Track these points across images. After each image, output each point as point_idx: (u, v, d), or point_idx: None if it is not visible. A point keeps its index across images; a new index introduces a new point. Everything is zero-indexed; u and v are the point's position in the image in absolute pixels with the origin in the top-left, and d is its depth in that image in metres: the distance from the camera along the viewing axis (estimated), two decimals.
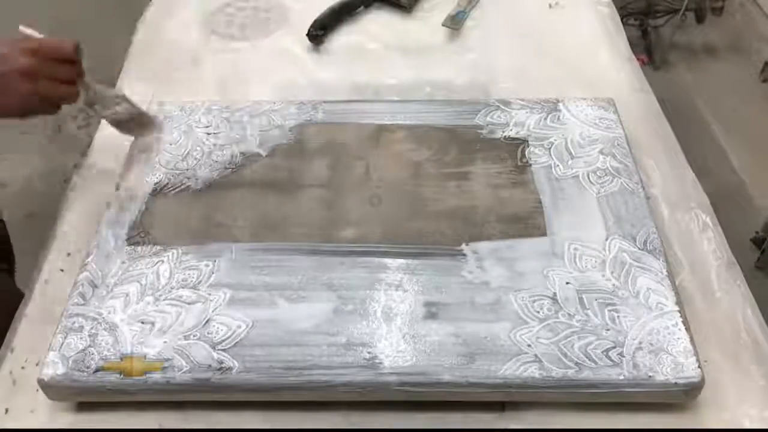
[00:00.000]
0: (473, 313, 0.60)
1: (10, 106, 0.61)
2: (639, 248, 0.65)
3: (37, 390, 0.58)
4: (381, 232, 0.67)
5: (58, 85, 0.63)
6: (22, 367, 0.62)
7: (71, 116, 1.51)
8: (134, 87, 0.90)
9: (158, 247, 0.66)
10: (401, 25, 1.01)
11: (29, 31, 0.64)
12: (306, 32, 0.96)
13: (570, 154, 0.74)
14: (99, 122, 0.81)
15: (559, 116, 0.79)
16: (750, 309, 0.65)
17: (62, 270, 0.70)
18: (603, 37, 0.98)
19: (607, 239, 0.66)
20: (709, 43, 2.08)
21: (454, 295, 0.62)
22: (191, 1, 1.05)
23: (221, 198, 0.71)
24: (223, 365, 0.57)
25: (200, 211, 0.70)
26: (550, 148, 0.75)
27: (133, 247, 0.66)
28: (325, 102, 0.82)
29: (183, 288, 0.63)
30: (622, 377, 0.56)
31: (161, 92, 0.87)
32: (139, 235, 0.67)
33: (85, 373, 0.57)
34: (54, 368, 0.57)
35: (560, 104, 0.80)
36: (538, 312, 0.60)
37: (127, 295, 0.62)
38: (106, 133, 0.83)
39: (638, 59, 0.96)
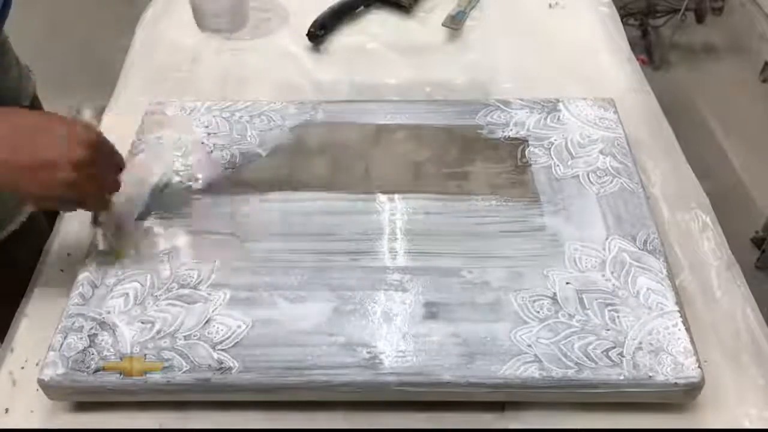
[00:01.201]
0: (473, 313, 0.60)
1: (47, 193, 0.56)
2: (639, 248, 0.65)
3: (37, 390, 0.58)
4: (381, 232, 0.67)
5: (100, 186, 0.60)
6: (22, 367, 0.62)
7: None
8: (134, 87, 0.91)
9: (158, 247, 0.66)
10: (401, 25, 1.01)
11: (88, 117, 0.63)
12: (306, 32, 0.96)
13: (570, 154, 0.74)
14: None
15: (559, 116, 0.79)
16: (750, 309, 0.65)
17: (62, 270, 0.70)
18: (603, 37, 0.98)
19: (607, 239, 0.66)
20: (709, 43, 2.08)
21: (454, 295, 0.62)
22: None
23: (221, 198, 0.71)
24: (223, 365, 0.57)
25: (200, 211, 0.70)
26: (550, 148, 0.75)
27: (133, 246, 0.66)
28: (325, 102, 0.82)
29: (183, 288, 0.63)
30: (622, 377, 0.56)
31: (161, 92, 0.87)
32: (140, 234, 0.67)
33: (85, 373, 0.57)
34: (54, 368, 0.57)
35: (560, 104, 0.80)
36: (538, 312, 0.60)
37: (127, 295, 0.62)
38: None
39: (638, 59, 0.96)
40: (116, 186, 0.62)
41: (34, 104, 0.86)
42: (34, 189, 0.55)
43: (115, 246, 0.66)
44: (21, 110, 0.59)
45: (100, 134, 0.59)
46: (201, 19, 0.88)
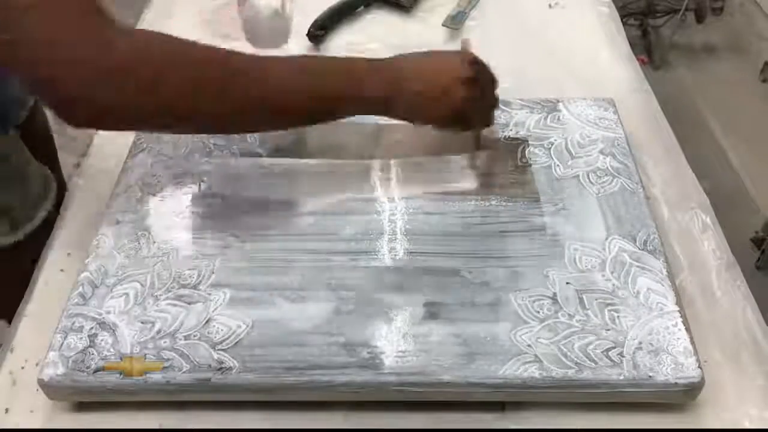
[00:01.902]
0: (473, 313, 0.60)
1: (451, 112, 0.66)
2: (639, 248, 0.65)
3: (37, 390, 0.58)
4: (381, 232, 0.67)
5: (487, 102, 0.70)
6: (22, 367, 0.62)
7: None
8: None
9: (158, 247, 0.66)
10: (401, 25, 1.01)
11: (467, 45, 0.71)
12: (306, 32, 0.96)
13: (570, 154, 0.74)
14: None
15: (559, 116, 0.79)
16: (750, 309, 0.65)
17: (62, 270, 0.70)
18: (603, 37, 0.98)
19: (607, 239, 0.66)
20: (709, 43, 2.08)
21: (454, 295, 0.62)
22: (191, 1, 1.05)
23: (221, 198, 0.71)
24: (223, 365, 0.57)
25: (200, 211, 0.70)
26: (550, 148, 0.75)
27: (133, 247, 0.66)
28: None
29: (183, 288, 0.63)
30: (622, 377, 0.56)
31: None
32: (140, 235, 0.67)
33: (85, 373, 0.57)
34: (54, 368, 0.57)
35: (560, 104, 0.80)
36: (538, 312, 0.60)
37: (127, 295, 0.62)
38: (105, 134, 0.83)
39: (638, 59, 0.96)
40: (497, 101, 0.71)
41: (37, 103, 0.86)
42: (443, 111, 0.66)
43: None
44: (406, 54, 0.67)
45: (475, 55, 0.69)
46: (255, 40, 0.95)
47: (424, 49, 0.68)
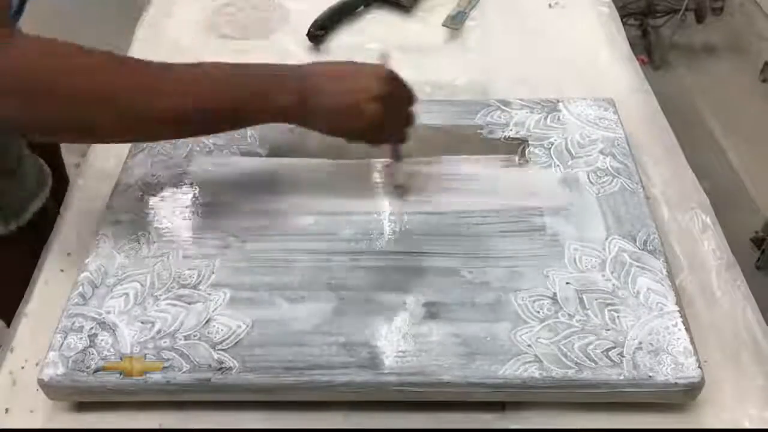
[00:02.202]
0: (473, 313, 0.60)
1: (360, 128, 0.64)
2: (639, 248, 0.65)
3: (37, 390, 0.58)
4: (381, 232, 0.67)
5: (400, 117, 0.67)
6: (22, 367, 0.62)
7: None
8: None
9: (158, 247, 0.66)
10: (401, 25, 1.01)
11: (385, 60, 0.68)
12: (306, 32, 0.96)
13: (570, 154, 0.74)
14: None
15: (559, 116, 0.79)
16: (750, 309, 0.65)
17: (62, 270, 0.70)
18: (603, 37, 0.98)
19: (607, 239, 0.66)
20: (709, 43, 2.08)
21: (454, 295, 0.62)
22: (191, 1, 1.05)
23: (221, 197, 0.71)
24: (223, 365, 0.57)
25: (200, 211, 0.70)
26: (550, 148, 0.75)
27: (133, 247, 0.66)
28: None
29: (183, 288, 0.63)
30: (622, 377, 0.56)
31: None
32: (140, 235, 0.67)
33: (85, 373, 0.57)
34: (54, 368, 0.57)
35: (560, 104, 0.80)
36: (538, 312, 0.60)
37: (127, 295, 0.62)
38: None
39: (638, 59, 0.96)
40: (412, 118, 0.68)
41: None
42: (353, 126, 0.64)
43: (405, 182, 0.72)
44: (320, 62, 0.66)
45: (391, 70, 0.66)
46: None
47: (344, 60, 0.67)
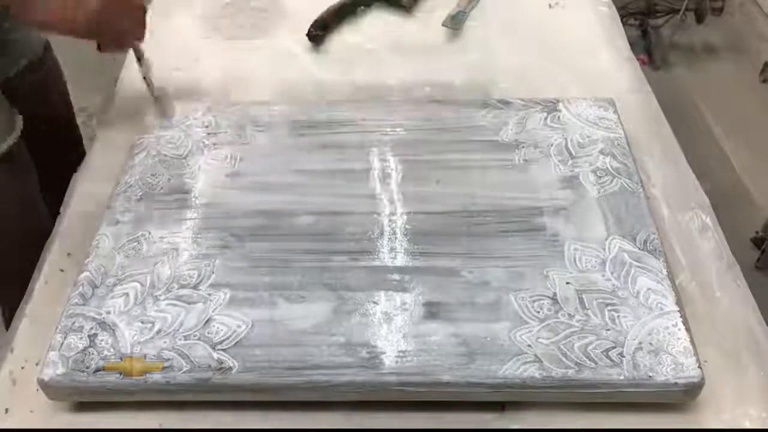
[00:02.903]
0: (473, 313, 0.60)
1: (77, 21, 0.63)
2: (639, 248, 0.65)
3: (37, 390, 0.58)
4: (381, 232, 0.67)
5: (125, 12, 0.67)
6: (22, 367, 0.62)
7: None
8: (134, 87, 0.90)
9: (158, 247, 0.66)
10: (401, 25, 1.01)
11: None
12: (306, 32, 0.96)
13: (570, 154, 0.74)
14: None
15: (559, 116, 0.79)
16: (750, 309, 0.65)
17: (62, 270, 0.70)
18: (603, 37, 0.98)
19: (607, 239, 0.66)
20: (709, 43, 2.08)
21: (454, 295, 0.62)
22: (191, 1, 1.05)
23: (221, 197, 0.71)
24: (223, 365, 0.57)
25: (201, 211, 0.70)
26: (550, 148, 0.75)
27: (133, 247, 0.66)
28: (325, 102, 0.82)
29: (183, 288, 0.63)
30: (622, 377, 0.56)
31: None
32: (140, 235, 0.67)
33: (85, 373, 0.57)
34: (54, 368, 0.57)
35: (560, 104, 0.80)
36: (538, 312, 0.60)
37: (127, 295, 0.62)
38: (106, 133, 0.83)
39: (638, 59, 0.96)
40: (144, 12, 0.69)
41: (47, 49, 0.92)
42: (78, 18, 0.63)
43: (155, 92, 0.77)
44: None
45: None
46: None
47: None
